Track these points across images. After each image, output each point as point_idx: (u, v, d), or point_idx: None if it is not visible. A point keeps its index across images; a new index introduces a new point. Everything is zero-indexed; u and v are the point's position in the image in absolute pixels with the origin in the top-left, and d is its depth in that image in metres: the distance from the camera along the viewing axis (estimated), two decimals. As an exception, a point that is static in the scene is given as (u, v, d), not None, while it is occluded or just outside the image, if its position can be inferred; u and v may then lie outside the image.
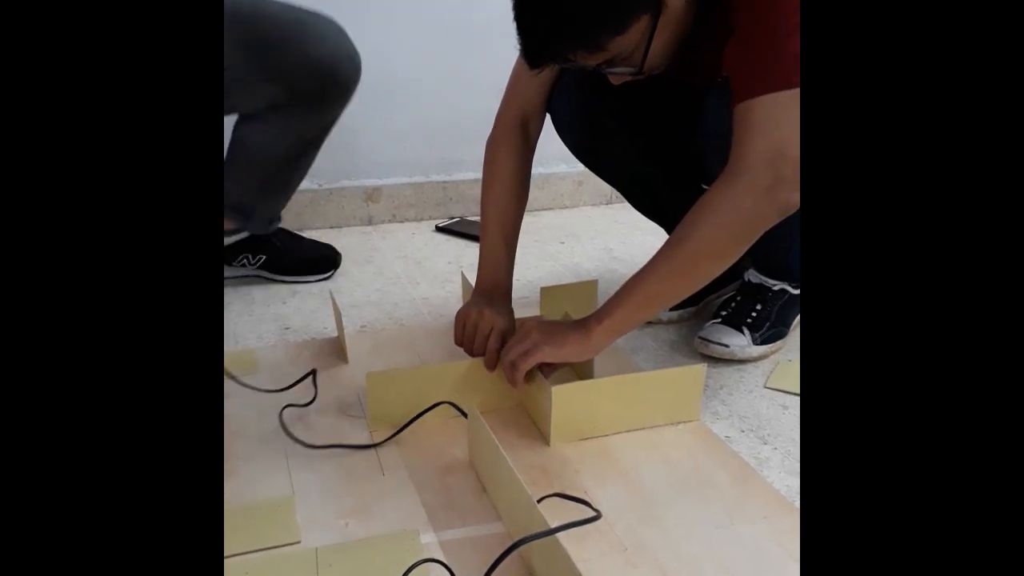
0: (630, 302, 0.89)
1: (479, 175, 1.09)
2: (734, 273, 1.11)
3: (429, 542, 0.76)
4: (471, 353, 1.00)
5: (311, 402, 0.99)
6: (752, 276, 1.19)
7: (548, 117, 1.13)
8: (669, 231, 1.05)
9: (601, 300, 0.94)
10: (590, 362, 0.99)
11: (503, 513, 0.79)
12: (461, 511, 0.80)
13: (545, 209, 1.92)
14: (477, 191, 1.10)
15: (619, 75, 0.89)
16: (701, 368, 0.95)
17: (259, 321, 1.26)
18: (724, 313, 1.16)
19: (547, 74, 1.02)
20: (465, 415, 0.93)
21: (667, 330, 1.23)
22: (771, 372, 1.10)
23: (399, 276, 1.48)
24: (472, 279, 1.09)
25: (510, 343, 0.93)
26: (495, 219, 1.06)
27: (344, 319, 1.15)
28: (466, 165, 1.83)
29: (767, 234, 0.86)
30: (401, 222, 1.82)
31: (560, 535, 0.65)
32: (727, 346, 1.11)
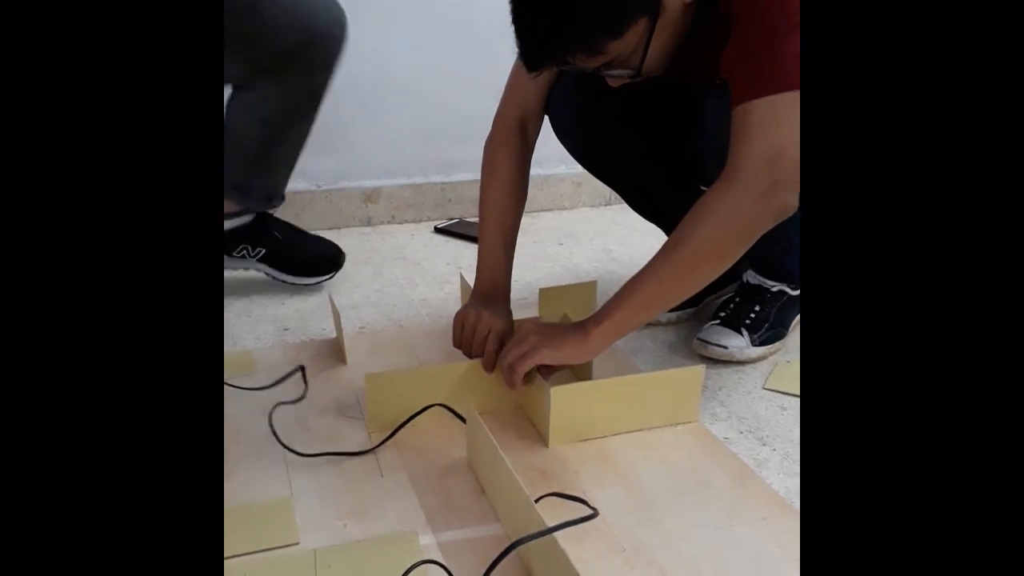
0: (628, 304, 0.89)
1: (478, 176, 1.09)
2: (733, 274, 1.11)
3: (428, 543, 0.76)
4: (470, 355, 1.00)
5: (301, 398, 0.98)
6: (751, 277, 1.19)
7: (547, 119, 1.13)
8: (668, 232, 1.06)
9: (600, 301, 0.95)
10: (589, 363, 0.99)
11: (501, 514, 0.79)
12: (460, 512, 0.80)
13: (544, 210, 1.92)
14: (476, 192, 1.10)
15: (617, 77, 0.89)
16: (700, 369, 0.95)
17: (257, 322, 1.26)
18: (723, 314, 1.16)
19: (545, 76, 1.02)
20: (461, 418, 0.93)
21: (666, 331, 1.23)
22: (770, 373, 1.10)
23: (398, 277, 1.48)
24: (471, 280, 1.09)
25: (508, 345, 0.93)
26: (494, 220, 1.06)
27: (343, 320, 1.15)
28: (465, 166, 1.83)
29: (766, 236, 0.86)
30: (400, 223, 1.82)
31: (559, 536, 0.65)
32: (726, 347, 1.11)
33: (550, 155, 1.26)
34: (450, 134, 1.79)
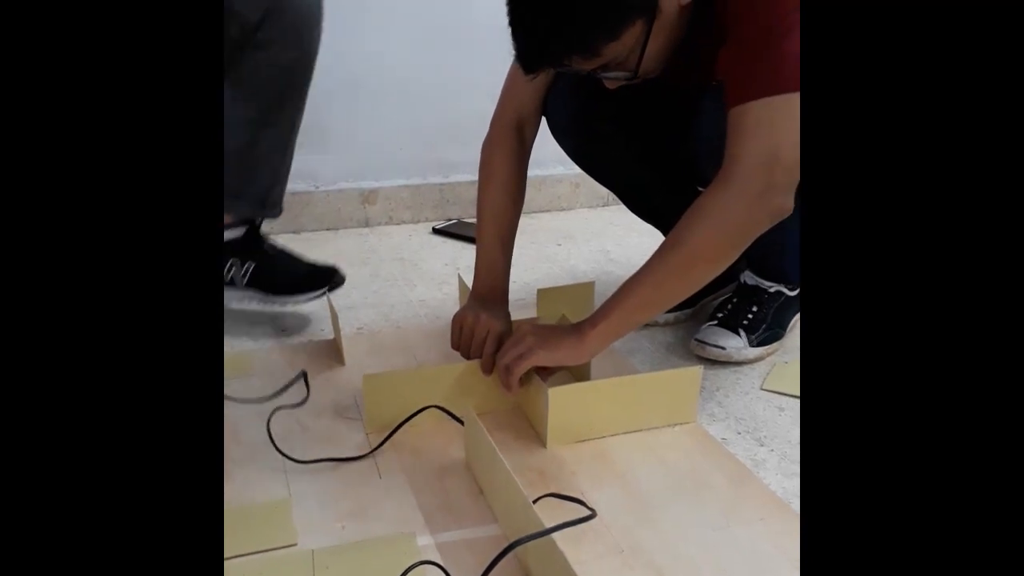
0: (625, 306, 0.89)
1: (476, 177, 1.09)
2: (730, 275, 1.12)
3: (426, 544, 0.76)
4: (468, 357, 1.00)
5: (302, 403, 0.98)
6: (748, 278, 1.20)
7: (544, 120, 1.13)
8: (665, 233, 1.06)
9: (598, 302, 0.95)
10: (587, 364, 0.99)
11: (499, 515, 0.79)
12: (458, 513, 0.80)
13: (542, 211, 1.92)
14: (474, 193, 1.11)
15: (614, 80, 0.89)
16: (697, 370, 0.95)
17: (254, 323, 1.26)
18: (720, 315, 1.17)
19: (542, 78, 1.02)
20: (458, 419, 0.93)
21: (663, 332, 1.24)
22: (767, 374, 1.10)
23: (396, 278, 1.48)
24: (469, 281, 1.09)
25: (504, 347, 0.93)
26: (491, 222, 1.07)
27: (340, 321, 1.15)
28: (463, 167, 1.83)
29: (763, 236, 0.86)
30: (398, 224, 1.82)
31: (556, 537, 0.66)
32: (723, 348, 1.11)
33: (548, 156, 1.26)
34: (448, 135, 1.79)
